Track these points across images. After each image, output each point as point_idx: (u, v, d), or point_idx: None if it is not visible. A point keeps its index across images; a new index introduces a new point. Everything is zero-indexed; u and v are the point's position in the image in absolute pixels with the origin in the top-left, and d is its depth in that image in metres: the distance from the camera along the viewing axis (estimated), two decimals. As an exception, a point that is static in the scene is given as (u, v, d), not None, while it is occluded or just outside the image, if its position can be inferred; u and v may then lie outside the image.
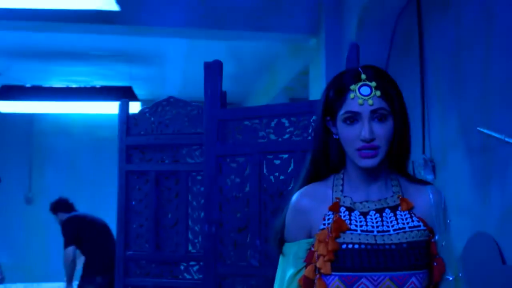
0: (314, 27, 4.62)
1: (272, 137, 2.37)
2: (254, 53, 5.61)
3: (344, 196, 1.52)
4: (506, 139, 3.00)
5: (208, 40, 4.84)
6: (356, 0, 4.27)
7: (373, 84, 1.48)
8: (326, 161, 1.55)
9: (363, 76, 1.48)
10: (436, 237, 1.50)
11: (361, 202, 1.51)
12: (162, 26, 4.42)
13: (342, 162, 1.55)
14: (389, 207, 1.50)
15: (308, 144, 2.24)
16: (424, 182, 1.58)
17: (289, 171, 2.32)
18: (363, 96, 1.46)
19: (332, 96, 1.51)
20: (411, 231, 1.46)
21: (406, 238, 1.45)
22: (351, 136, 1.47)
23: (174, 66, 5.93)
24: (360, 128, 1.46)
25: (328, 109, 1.51)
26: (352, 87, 1.47)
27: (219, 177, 2.44)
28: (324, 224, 1.48)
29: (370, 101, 1.46)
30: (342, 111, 1.48)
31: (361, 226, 1.46)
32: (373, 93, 1.46)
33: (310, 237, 1.50)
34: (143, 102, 5.67)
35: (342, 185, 1.54)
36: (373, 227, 1.47)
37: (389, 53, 4.23)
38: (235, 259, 2.41)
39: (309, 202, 1.51)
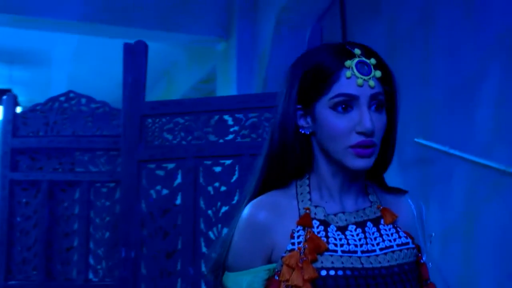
0: (224, 29, 4.22)
1: (212, 138, 1.91)
2: (152, 57, 5.10)
3: (316, 207, 1.20)
4: (451, 150, 2.76)
5: (105, 37, 4.28)
6: (273, 1, 3.94)
7: (372, 61, 1.18)
8: (289, 164, 1.23)
9: (358, 51, 1.18)
10: (424, 258, 1.26)
11: (335, 214, 1.20)
12: (51, 18, 3.83)
13: (307, 165, 1.24)
14: (370, 220, 1.22)
15: (259, 146, 1.80)
16: (399, 190, 1.31)
17: (232, 180, 1.87)
18: (362, 75, 1.16)
19: (311, 76, 1.18)
20: (400, 251, 1.20)
21: (396, 260, 1.19)
22: (344, 128, 1.16)
23: (60, 67, 5.27)
24: (357, 117, 1.16)
25: (303, 94, 1.19)
26: (347, 63, 1.16)
27: (142, 187, 1.93)
28: (293, 244, 1.15)
29: (372, 82, 1.16)
30: (331, 95, 1.16)
31: (341, 245, 1.17)
32: (372, 73, 1.17)
33: (270, 262, 1.18)
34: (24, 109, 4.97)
35: (309, 193, 1.22)
36: (356, 245, 1.17)
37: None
38: (160, 292, 1.90)
39: (269, 216, 1.18)
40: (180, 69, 5.33)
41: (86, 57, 4.63)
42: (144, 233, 1.91)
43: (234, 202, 1.85)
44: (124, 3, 3.91)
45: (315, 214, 1.19)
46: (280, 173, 1.23)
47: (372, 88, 1.16)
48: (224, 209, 1.88)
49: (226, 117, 1.90)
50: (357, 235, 1.19)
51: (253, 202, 1.21)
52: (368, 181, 1.29)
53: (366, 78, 1.16)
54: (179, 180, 1.89)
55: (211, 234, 1.87)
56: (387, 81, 1.21)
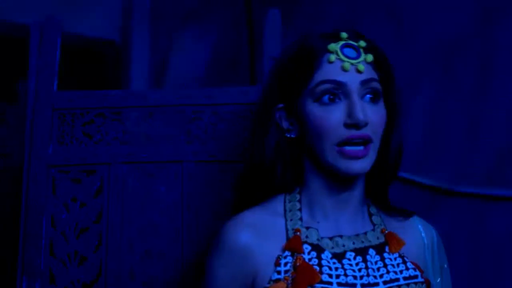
0: (118, 33, 3.82)
1: (146, 139, 1.55)
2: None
3: (307, 228, 1.04)
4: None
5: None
6: (175, 7, 3.62)
7: (362, 43, 1.05)
8: (274, 175, 1.06)
9: (344, 34, 1.05)
10: None
11: (331, 238, 1.04)
12: None
13: (297, 177, 1.09)
14: (373, 247, 1.06)
15: (206, 151, 1.48)
16: (404, 211, 1.14)
17: (174, 191, 1.52)
18: (349, 58, 1.02)
19: (291, 66, 1.03)
20: (407, 285, 1.04)
21: None
22: (331, 121, 1.01)
23: None
24: (345, 108, 1.02)
25: (284, 89, 1.05)
26: (331, 46, 1.03)
27: (51, 200, 1.51)
28: (278, 273, 1.00)
29: (361, 66, 1.02)
30: (312, 84, 1.02)
31: (337, 276, 1.01)
32: (362, 56, 1.03)
33: None
34: None
35: (300, 210, 1.06)
36: (354, 277, 1.02)
37: (210, 65, 3.61)
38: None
39: (250, 237, 1.02)
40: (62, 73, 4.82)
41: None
42: (54, 258, 1.49)
43: (178, 221, 1.49)
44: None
45: (306, 237, 1.03)
46: (264, 187, 1.06)
47: (361, 73, 1.02)
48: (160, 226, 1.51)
49: (164, 115, 1.55)
50: (357, 264, 1.04)
51: (231, 221, 1.05)
52: (370, 199, 1.11)
53: (354, 62, 1.02)
54: (104, 191, 1.50)
55: (145, 258, 1.50)
56: (382, 67, 1.06)
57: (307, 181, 1.08)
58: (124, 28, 3.77)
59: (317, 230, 1.05)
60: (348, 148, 1.01)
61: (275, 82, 1.08)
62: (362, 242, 1.06)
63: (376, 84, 1.04)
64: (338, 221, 1.07)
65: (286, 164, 1.07)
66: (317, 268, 1.00)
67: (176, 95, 1.55)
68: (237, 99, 1.51)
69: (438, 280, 1.13)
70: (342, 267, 1.02)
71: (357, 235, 1.07)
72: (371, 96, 1.04)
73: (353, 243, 1.05)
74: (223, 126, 1.52)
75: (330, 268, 1.01)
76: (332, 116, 1.02)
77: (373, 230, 1.09)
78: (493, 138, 2.42)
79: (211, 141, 1.51)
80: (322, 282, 0.99)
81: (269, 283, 1.00)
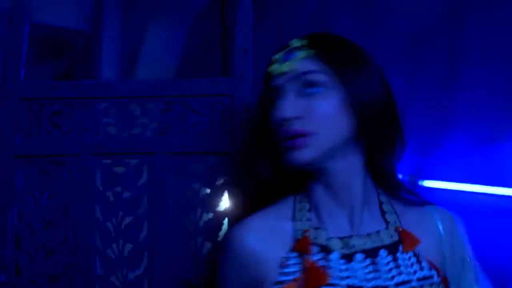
0: (88, 22, 3.76)
1: (113, 130, 1.52)
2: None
3: (316, 229, 1.01)
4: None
5: None
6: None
7: (303, 42, 1.05)
8: (280, 176, 1.06)
9: (294, 42, 1.07)
10: None
11: (341, 238, 1.01)
12: None
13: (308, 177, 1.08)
14: (385, 247, 1.01)
15: (174, 143, 1.47)
16: (422, 202, 1.09)
17: (139, 184, 1.49)
18: (279, 63, 1.05)
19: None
20: (421, 287, 0.98)
21: None
22: (271, 121, 1.05)
23: None
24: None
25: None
26: (274, 57, 1.06)
27: (17, 192, 1.48)
28: (285, 274, 0.97)
29: (284, 67, 1.03)
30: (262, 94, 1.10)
31: (347, 277, 0.97)
32: (294, 56, 1.04)
33: None
34: None
35: (309, 210, 1.04)
36: (366, 280, 0.97)
37: (183, 55, 3.58)
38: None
39: (257, 241, 1.00)
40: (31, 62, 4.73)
41: None
42: (21, 251, 1.46)
43: (140, 211, 1.47)
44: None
45: (315, 237, 1.00)
46: (274, 188, 1.05)
47: (291, 71, 1.02)
48: (127, 220, 1.49)
49: (132, 105, 1.53)
50: (366, 266, 0.99)
51: (237, 226, 1.03)
52: (386, 193, 1.07)
53: (280, 64, 1.04)
54: (72, 184, 1.47)
55: (109, 252, 1.48)
56: (331, 58, 1.03)
57: (308, 181, 1.06)
58: (94, 18, 3.72)
59: (327, 230, 1.01)
60: (287, 141, 1.01)
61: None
62: (374, 242, 1.01)
63: (312, 77, 1.02)
64: (344, 221, 1.03)
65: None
66: (326, 270, 0.97)
67: (147, 86, 1.53)
68: (209, 90, 1.50)
69: (460, 276, 1.03)
70: (352, 269, 0.98)
71: (369, 234, 1.02)
72: (307, 89, 1.02)
73: (364, 243, 1.00)
74: (194, 117, 1.50)
75: (339, 270, 0.98)
76: (271, 117, 1.04)
77: (387, 228, 1.03)
78: (463, 127, 2.44)
79: (182, 132, 1.49)
80: (330, 284, 0.95)
81: (276, 284, 0.97)
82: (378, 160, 1.04)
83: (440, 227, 1.06)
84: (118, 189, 1.49)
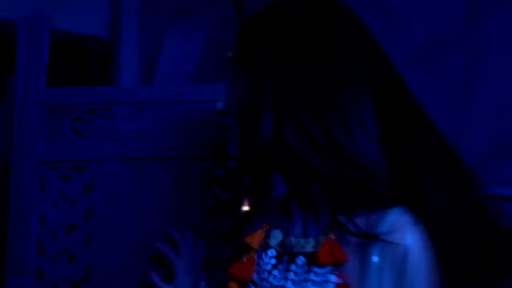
0: (106, 29, 3.79)
1: (132, 136, 1.53)
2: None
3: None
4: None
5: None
6: (165, 2, 3.60)
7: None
8: None
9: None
10: None
11: (286, 237, 1.00)
12: None
13: None
14: (304, 254, 0.93)
15: (201, 147, 1.47)
16: (364, 235, 0.87)
17: (161, 189, 1.50)
18: None
19: None
20: None
21: None
22: None
23: None
24: None
25: None
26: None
27: (40, 197, 1.49)
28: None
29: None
30: None
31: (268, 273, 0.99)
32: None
33: None
34: None
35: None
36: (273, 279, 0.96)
37: (200, 61, 3.59)
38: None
39: None
40: (51, 69, 4.77)
41: None
42: (43, 256, 1.47)
43: (163, 217, 1.48)
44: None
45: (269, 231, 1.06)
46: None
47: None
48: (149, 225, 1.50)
49: (152, 111, 1.53)
50: (279, 268, 0.97)
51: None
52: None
53: None
54: (95, 188, 1.48)
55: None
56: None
57: None
58: (113, 24, 3.74)
59: (282, 229, 1.00)
60: None
61: None
62: (302, 246, 0.93)
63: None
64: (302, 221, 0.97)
65: None
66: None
67: (166, 92, 1.54)
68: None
69: None
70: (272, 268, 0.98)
71: (306, 238, 0.94)
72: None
73: (292, 246, 0.95)
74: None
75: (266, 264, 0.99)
76: None
77: (317, 236, 0.93)
78: (481, 133, 2.42)
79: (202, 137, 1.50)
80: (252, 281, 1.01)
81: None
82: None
83: (375, 255, 0.86)
84: (140, 194, 1.50)
